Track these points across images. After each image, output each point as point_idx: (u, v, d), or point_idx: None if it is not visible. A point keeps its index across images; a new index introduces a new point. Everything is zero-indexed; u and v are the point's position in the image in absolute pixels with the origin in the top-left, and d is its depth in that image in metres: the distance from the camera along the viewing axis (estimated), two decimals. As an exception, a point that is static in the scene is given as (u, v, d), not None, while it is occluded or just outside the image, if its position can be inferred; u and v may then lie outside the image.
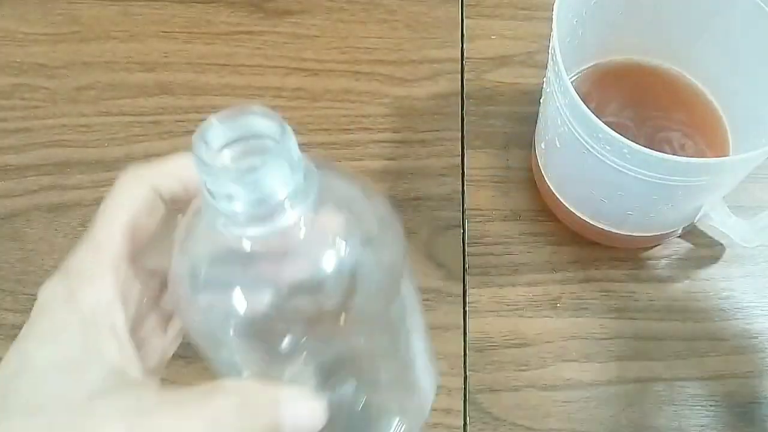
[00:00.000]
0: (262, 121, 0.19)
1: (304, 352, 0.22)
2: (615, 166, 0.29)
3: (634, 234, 0.36)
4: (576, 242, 0.38)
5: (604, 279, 0.37)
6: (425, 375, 0.28)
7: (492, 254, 0.38)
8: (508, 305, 0.36)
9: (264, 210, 0.18)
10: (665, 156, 0.27)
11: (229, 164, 0.19)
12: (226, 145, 0.19)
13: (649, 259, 0.38)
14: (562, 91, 0.29)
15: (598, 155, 0.29)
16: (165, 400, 0.21)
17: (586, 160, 0.30)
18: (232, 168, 0.19)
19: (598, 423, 0.34)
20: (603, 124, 0.27)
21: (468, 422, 0.34)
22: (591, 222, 0.36)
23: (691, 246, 0.38)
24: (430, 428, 0.34)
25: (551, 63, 0.30)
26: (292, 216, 0.19)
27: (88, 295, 0.22)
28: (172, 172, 0.24)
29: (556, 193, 0.37)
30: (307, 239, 0.19)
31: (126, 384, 0.22)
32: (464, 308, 0.36)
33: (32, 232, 0.39)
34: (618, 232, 0.36)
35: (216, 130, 0.19)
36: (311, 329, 0.22)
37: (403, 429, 0.28)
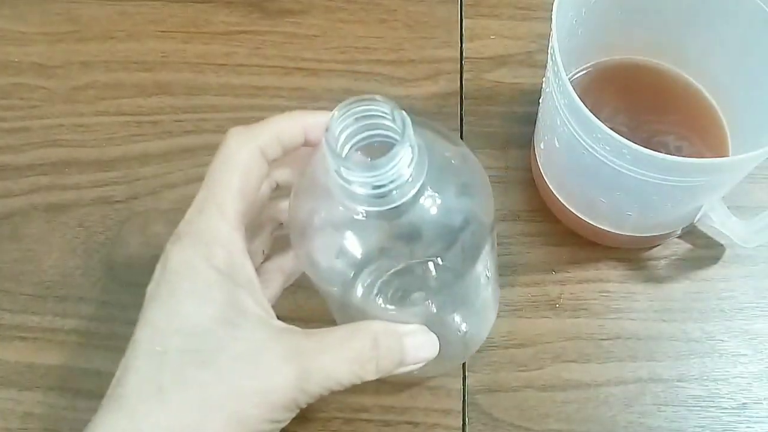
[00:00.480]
0: (379, 109, 0.21)
1: (410, 289, 0.26)
2: (614, 166, 0.29)
3: (633, 234, 0.36)
4: (575, 242, 0.38)
5: (603, 279, 0.37)
6: (495, 295, 0.33)
7: (491, 254, 0.38)
8: (507, 305, 0.36)
9: (390, 189, 0.21)
10: (664, 156, 0.27)
11: (362, 157, 0.22)
12: (351, 134, 0.21)
13: (649, 259, 0.38)
14: (561, 91, 0.29)
15: (598, 155, 0.29)
16: (317, 342, 0.24)
17: (586, 160, 0.30)
18: (366, 161, 0.21)
19: (597, 423, 0.34)
20: (602, 124, 0.27)
21: (467, 423, 0.34)
22: (590, 222, 0.36)
23: (691, 246, 0.38)
24: (429, 429, 0.34)
25: (550, 63, 0.30)
26: (414, 189, 0.21)
27: (223, 257, 0.24)
28: (275, 135, 0.26)
29: (556, 193, 0.37)
30: (420, 200, 0.22)
31: (277, 332, 0.24)
32: (463, 308, 0.36)
33: (30, 232, 0.39)
34: (618, 232, 0.36)
35: (340, 121, 0.21)
36: (422, 275, 0.26)
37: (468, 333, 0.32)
